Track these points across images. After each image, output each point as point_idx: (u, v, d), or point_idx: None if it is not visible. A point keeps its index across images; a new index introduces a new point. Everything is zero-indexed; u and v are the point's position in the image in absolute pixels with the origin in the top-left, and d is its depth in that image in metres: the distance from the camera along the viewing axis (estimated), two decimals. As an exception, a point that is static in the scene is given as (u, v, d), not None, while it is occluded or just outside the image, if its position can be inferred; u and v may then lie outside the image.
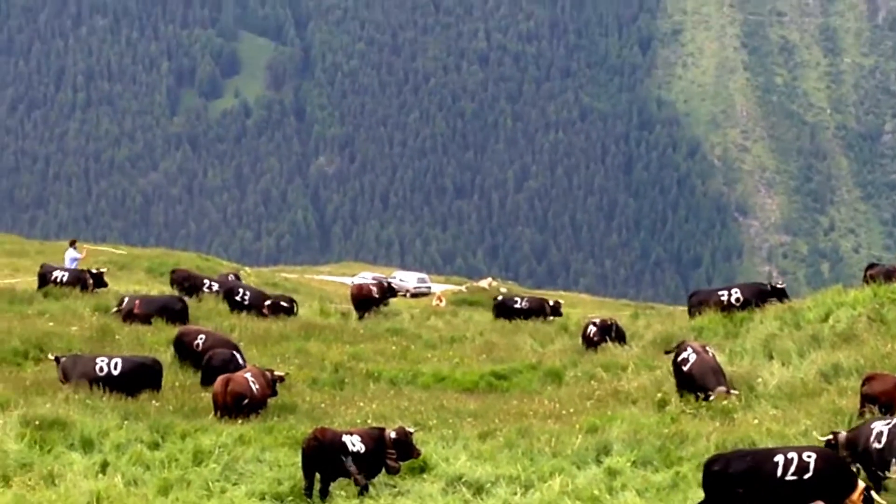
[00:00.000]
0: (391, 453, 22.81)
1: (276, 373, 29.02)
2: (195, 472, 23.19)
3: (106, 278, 46.70)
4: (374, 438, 22.78)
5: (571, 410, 29.26)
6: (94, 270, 46.64)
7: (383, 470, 22.86)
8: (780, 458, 20.05)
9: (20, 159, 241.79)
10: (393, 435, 22.97)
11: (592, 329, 39.68)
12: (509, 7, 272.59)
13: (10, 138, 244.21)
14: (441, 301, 66.46)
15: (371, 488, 22.61)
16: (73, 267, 47.68)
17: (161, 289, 50.13)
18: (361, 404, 29.79)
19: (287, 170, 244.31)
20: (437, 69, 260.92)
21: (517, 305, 50.62)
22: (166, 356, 33.31)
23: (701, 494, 20.68)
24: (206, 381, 29.66)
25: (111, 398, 27.76)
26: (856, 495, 19.92)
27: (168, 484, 22.51)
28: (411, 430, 23.51)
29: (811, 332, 33.64)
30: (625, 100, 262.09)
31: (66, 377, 29.03)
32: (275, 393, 28.45)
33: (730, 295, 39.82)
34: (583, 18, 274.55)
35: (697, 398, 28.44)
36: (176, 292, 45.83)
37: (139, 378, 28.90)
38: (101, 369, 28.80)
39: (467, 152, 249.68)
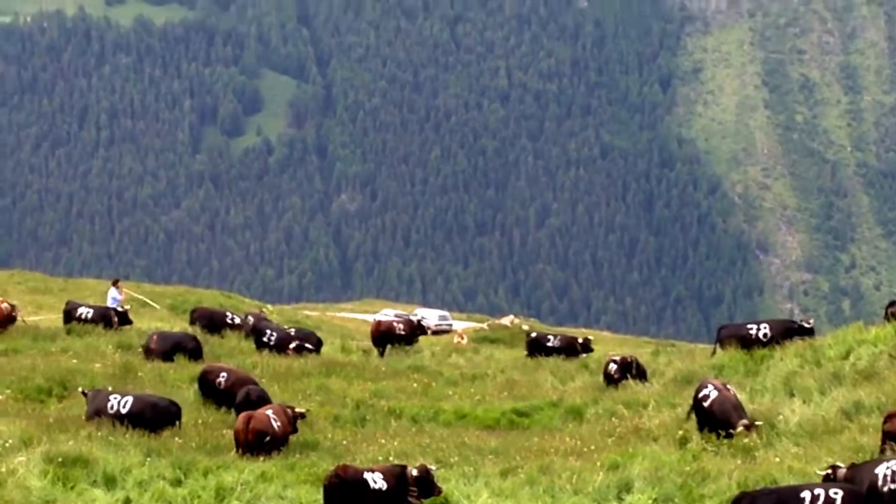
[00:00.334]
0: (413, 491, 22.82)
1: (297, 409, 29.08)
2: (217, 509, 23.25)
3: (130, 316, 46.95)
4: (396, 476, 22.79)
5: (592, 448, 29.24)
6: (118, 308, 46.92)
7: (405, 507, 22.88)
8: (806, 495, 20.03)
9: (44, 197, 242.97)
10: (414, 472, 23.00)
11: (613, 366, 39.67)
12: (530, 45, 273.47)
13: (34, 176, 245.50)
14: (462, 338, 66.47)
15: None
16: (113, 306, 48.10)
17: (183, 326, 50.28)
18: (383, 441, 29.82)
19: (309, 207, 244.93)
20: (458, 107, 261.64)
21: (549, 343, 50.70)
22: (188, 394, 33.41)
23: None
24: None
25: (133, 435, 27.84)
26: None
27: (191, 520, 22.57)
28: (433, 467, 23.52)
29: (832, 369, 33.53)
30: (645, 138, 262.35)
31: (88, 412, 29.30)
32: (295, 430, 28.50)
33: (758, 330, 39.92)
34: (603, 56, 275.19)
35: (719, 435, 28.40)
36: (198, 331, 45.93)
37: (149, 417, 28.76)
38: (112, 406, 28.88)
39: (489, 190, 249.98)
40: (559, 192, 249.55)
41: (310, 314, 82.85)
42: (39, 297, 68.26)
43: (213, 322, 47.61)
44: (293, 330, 46.31)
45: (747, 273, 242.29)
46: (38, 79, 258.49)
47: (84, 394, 29.96)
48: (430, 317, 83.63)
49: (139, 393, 30.49)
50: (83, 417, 29.27)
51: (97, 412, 28.80)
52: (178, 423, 29.18)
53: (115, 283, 51.71)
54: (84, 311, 45.92)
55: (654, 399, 35.09)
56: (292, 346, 44.13)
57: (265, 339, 44.23)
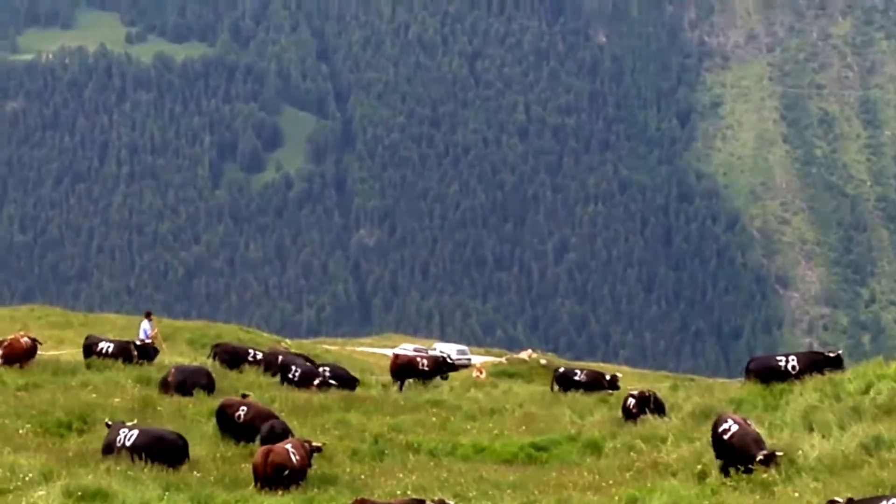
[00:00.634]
0: (431, 524, 22.84)
1: (313, 443, 29.11)
2: (236, 543, 23.28)
3: (158, 348, 47.13)
4: (414, 510, 22.83)
5: (611, 482, 29.21)
6: (137, 342, 47.04)
7: (423, 541, 22.89)
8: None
9: (64, 232, 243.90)
10: (433, 506, 23.03)
11: (631, 401, 39.63)
12: (548, 80, 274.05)
13: (55, 211, 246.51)
14: (481, 373, 66.46)
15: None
16: (144, 338, 48.47)
17: (203, 361, 50.34)
18: (401, 475, 29.83)
19: (328, 242, 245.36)
20: (476, 142, 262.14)
21: (576, 378, 50.72)
22: (207, 428, 33.46)
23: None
24: None
25: (152, 469, 27.90)
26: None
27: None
28: (451, 501, 23.53)
29: (852, 404, 33.42)
30: (664, 172, 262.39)
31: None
32: (310, 464, 28.52)
33: (787, 362, 39.95)
34: (622, 91, 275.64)
35: (738, 469, 28.33)
36: (217, 366, 45.95)
37: (154, 450, 28.65)
38: (120, 440, 28.98)
39: (507, 224, 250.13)
40: (577, 227, 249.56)
41: (329, 349, 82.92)
42: (60, 332, 68.51)
43: (236, 357, 47.53)
44: (328, 369, 46.19)
45: (766, 307, 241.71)
46: (59, 115, 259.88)
47: (108, 425, 30.22)
48: (448, 351, 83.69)
49: (146, 426, 30.52)
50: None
51: (109, 445, 28.96)
52: (185, 456, 29.14)
53: (147, 316, 51.96)
54: (105, 346, 46.09)
55: (672, 433, 35.02)
56: (316, 381, 44.17)
57: (290, 375, 44.25)
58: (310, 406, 39.11)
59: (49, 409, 35.13)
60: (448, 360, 51.93)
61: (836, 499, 22.26)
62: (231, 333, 72.02)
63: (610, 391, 49.54)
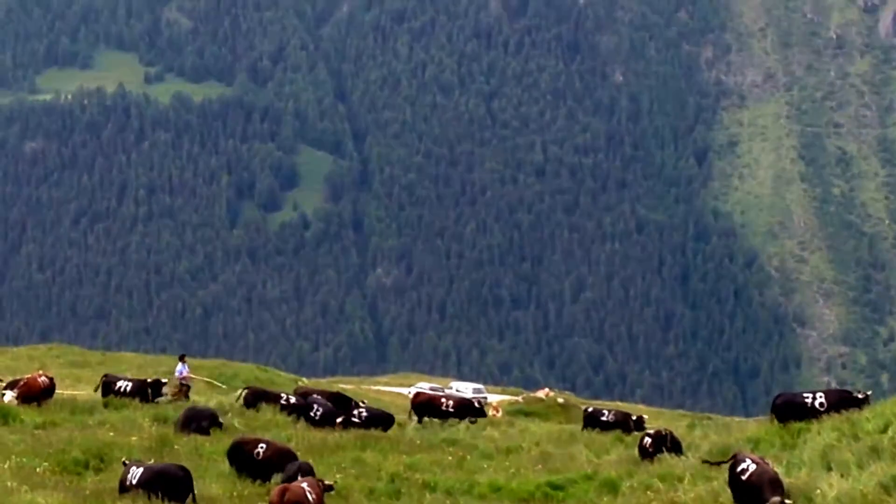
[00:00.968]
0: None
1: (325, 482, 29.10)
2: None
3: (164, 389, 47.13)
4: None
5: (627, 521, 29.13)
6: (149, 380, 47.17)
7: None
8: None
9: (82, 271, 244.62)
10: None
11: (648, 440, 39.58)
12: (566, 120, 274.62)
13: (73, 251, 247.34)
14: (497, 411, 66.34)
15: None
16: (179, 375, 48.96)
17: (220, 399, 50.38)
18: (418, 514, 29.79)
19: (345, 281, 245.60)
20: (493, 181, 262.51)
21: (603, 418, 50.73)
22: (224, 466, 33.44)
23: None
24: None
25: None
26: None
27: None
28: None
29: (870, 443, 33.27)
30: (681, 211, 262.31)
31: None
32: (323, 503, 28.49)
33: (814, 399, 39.75)
34: (639, 130, 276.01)
35: (755, 509, 28.23)
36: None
37: (158, 485, 28.58)
38: (127, 479, 29.08)
39: (524, 263, 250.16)
40: (594, 266, 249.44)
41: (345, 387, 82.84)
42: (77, 371, 68.69)
43: (267, 402, 46.80)
44: (364, 410, 46.02)
45: (784, 346, 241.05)
46: (77, 155, 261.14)
47: (124, 464, 30.32)
48: (465, 390, 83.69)
49: (151, 463, 30.61)
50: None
51: (123, 483, 29.13)
52: (189, 489, 29.08)
53: (181, 358, 52.24)
54: (123, 384, 46.22)
55: (689, 473, 34.92)
56: (339, 420, 44.16)
57: (312, 414, 44.18)
58: (325, 445, 39.11)
59: (66, 448, 35.19)
60: (476, 405, 50.96)
61: None
62: (248, 372, 72.09)
63: (637, 432, 49.43)
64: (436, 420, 49.29)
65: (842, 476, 30.89)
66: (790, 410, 39.49)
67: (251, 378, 68.86)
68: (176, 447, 36.63)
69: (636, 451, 39.96)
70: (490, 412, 66.14)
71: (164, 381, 48.06)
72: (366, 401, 49.14)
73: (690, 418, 70.23)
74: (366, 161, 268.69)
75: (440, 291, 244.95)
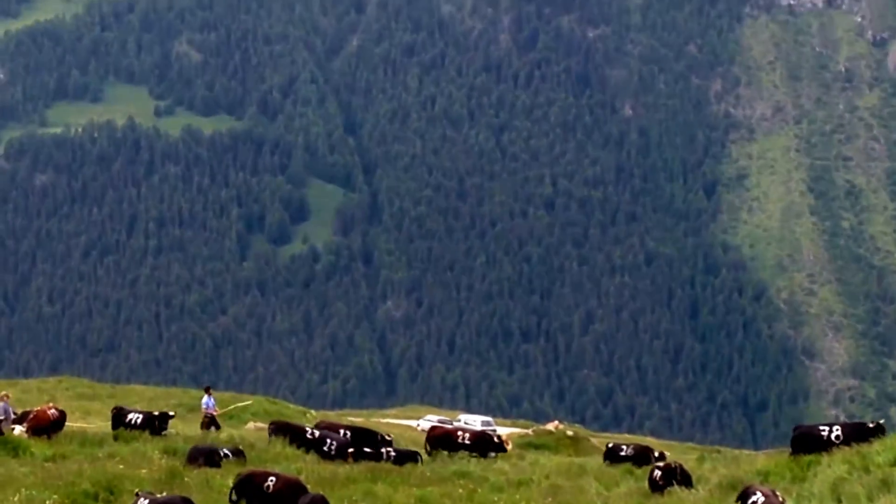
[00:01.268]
0: None
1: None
2: None
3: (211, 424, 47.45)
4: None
5: (637, 554, 29.12)
6: (156, 413, 47.25)
7: None
8: None
9: (92, 304, 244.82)
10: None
11: (658, 472, 39.56)
12: (575, 153, 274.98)
13: (83, 283, 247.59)
14: (507, 444, 66.23)
15: None
16: (206, 408, 49.23)
17: (230, 432, 50.43)
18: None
19: (354, 314, 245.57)
20: (503, 214, 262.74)
21: (623, 453, 50.69)
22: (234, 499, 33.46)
23: None
24: None
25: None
26: None
27: None
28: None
29: (881, 476, 33.27)
30: (690, 244, 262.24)
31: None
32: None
33: (831, 431, 39.97)
34: (648, 163, 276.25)
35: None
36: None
37: None
38: None
39: (533, 296, 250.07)
40: (604, 299, 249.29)
41: (353, 420, 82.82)
42: (87, 403, 68.76)
43: (292, 435, 46.44)
44: (392, 450, 45.84)
45: (793, 379, 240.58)
46: (88, 188, 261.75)
47: (137, 495, 30.41)
48: (473, 422, 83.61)
49: (158, 496, 30.64)
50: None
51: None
52: None
53: (207, 391, 52.32)
54: (134, 417, 46.31)
55: (699, 505, 34.91)
56: (351, 450, 44.14)
57: (325, 448, 44.10)
58: (336, 477, 39.11)
59: (76, 480, 35.24)
60: (496, 440, 50.01)
61: None
62: (258, 405, 72.07)
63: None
64: (445, 452, 49.13)
65: (852, 509, 30.90)
66: (807, 443, 39.67)
67: (260, 410, 68.91)
68: (186, 479, 36.68)
69: (646, 484, 39.95)
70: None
71: (171, 413, 48.15)
72: (391, 435, 48.81)
73: (700, 451, 70.13)
74: (375, 194, 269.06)
75: (450, 324, 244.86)
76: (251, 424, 59.51)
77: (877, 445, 37.16)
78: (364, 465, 42.47)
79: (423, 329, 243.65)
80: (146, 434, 45.06)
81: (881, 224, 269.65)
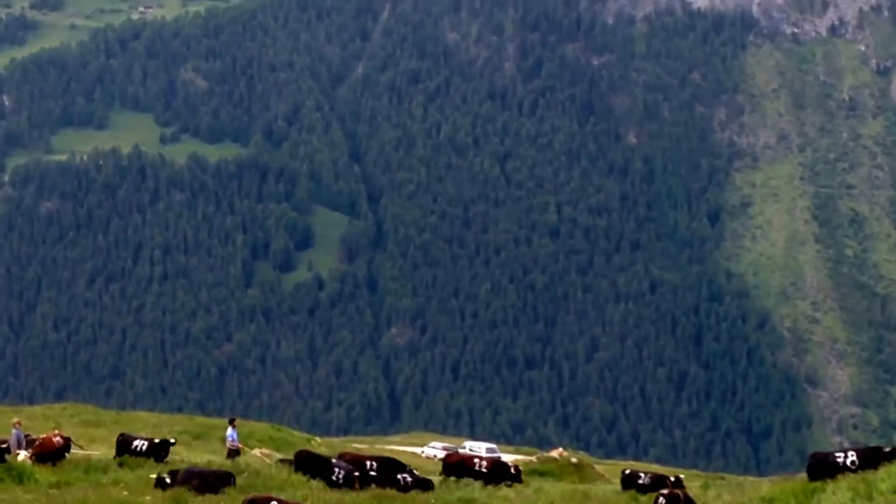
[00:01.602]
0: None
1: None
2: None
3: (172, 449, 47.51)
4: None
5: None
6: (156, 440, 47.41)
7: None
8: None
9: (97, 331, 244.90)
10: None
11: (662, 500, 39.66)
12: (580, 180, 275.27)
13: (88, 310, 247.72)
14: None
15: None
16: (232, 441, 49.98)
17: (235, 460, 50.47)
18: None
19: (359, 341, 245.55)
20: (507, 242, 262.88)
21: (640, 481, 50.78)
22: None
23: None
24: None
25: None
26: None
27: None
28: None
29: (884, 503, 33.34)
30: (694, 272, 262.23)
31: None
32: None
33: (846, 457, 40.20)
34: (652, 191, 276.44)
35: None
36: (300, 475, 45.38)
37: None
38: None
39: (538, 324, 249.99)
40: (608, 326, 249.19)
41: (358, 447, 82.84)
42: (92, 430, 68.82)
43: (316, 467, 46.01)
44: (410, 477, 45.70)
45: (796, 406, 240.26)
46: (93, 215, 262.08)
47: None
48: (478, 449, 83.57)
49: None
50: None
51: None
52: None
53: (231, 422, 52.50)
54: (139, 444, 46.46)
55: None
56: (356, 474, 44.11)
57: (334, 478, 43.97)
58: (341, 504, 39.16)
59: (81, 507, 35.35)
60: (512, 471, 49.14)
61: None
62: (263, 431, 72.19)
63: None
64: (451, 479, 49.02)
65: (854, 536, 30.94)
66: (823, 469, 39.91)
67: (265, 437, 69.01)
68: (190, 506, 36.79)
69: (650, 512, 40.03)
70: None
71: (172, 440, 48.33)
72: (417, 470, 48.48)
73: (704, 478, 70.13)
74: (380, 221, 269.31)
75: (454, 351, 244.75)
76: (257, 451, 59.66)
77: (882, 472, 37.22)
78: (369, 493, 42.50)
79: (428, 356, 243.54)
80: (151, 461, 45.19)
81: (885, 252, 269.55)
